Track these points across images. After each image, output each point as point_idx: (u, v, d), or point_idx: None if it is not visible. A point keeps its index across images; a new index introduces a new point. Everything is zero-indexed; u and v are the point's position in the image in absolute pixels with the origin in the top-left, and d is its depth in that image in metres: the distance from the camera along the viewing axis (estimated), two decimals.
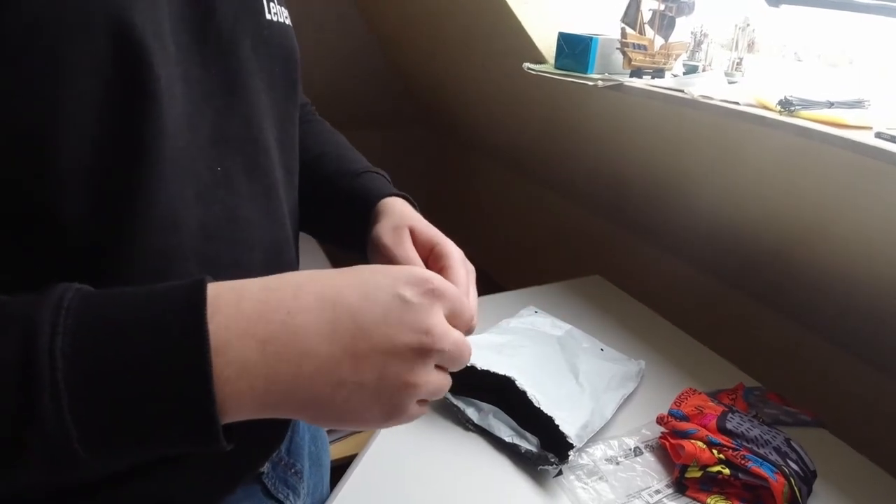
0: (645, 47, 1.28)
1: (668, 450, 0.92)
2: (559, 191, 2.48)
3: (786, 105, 0.95)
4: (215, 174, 0.51)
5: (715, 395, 1.05)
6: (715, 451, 0.87)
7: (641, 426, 0.98)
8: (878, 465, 0.96)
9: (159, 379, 0.33)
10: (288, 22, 0.60)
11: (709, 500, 0.86)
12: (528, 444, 0.90)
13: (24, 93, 0.38)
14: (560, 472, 0.87)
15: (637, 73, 1.30)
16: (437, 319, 0.41)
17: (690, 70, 1.31)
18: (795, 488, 0.83)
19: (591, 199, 2.26)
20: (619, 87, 1.27)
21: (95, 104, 0.41)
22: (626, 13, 1.28)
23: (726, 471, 0.86)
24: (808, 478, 0.87)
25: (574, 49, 1.34)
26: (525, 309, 1.26)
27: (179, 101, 0.46)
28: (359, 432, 1.82)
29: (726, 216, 1.51)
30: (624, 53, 1.28)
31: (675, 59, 1.34)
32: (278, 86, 0.58)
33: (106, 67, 0.41)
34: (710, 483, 0.87)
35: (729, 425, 0.92)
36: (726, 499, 0.86)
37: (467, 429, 0.96)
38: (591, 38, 1.31)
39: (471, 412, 0.96)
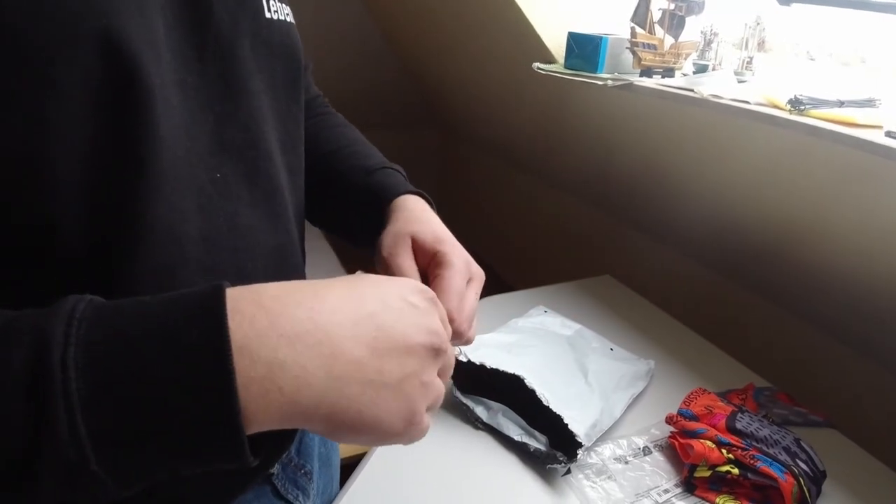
0: (655, 47, 1.28)
1: (677, 449, 0.92)
2: (569, 190, 2.47)
3: (796, 104, 0.95)
4: (216, 182, 0.50)
5: (725, 395, 1.05)
6: (724, 451, 0.87)
7: (651, 426, 0.98)
8: (889, 466, 0.96)
9: (176, 384, 0.31)
10: (289, 19, 0.59)
11: (718, 500, 0.86)
12: (537, 442, 0.90)
13: (10, 111, 0.37)
14: (569, 471, 0.87)
15: (647, 72, 1.30)
16: (440, 323, 0.42)
17: (700, 69, 1.31)
18: (805, 488, 0.83)
19: (602, 199, 2.26)
20: (629, 86, 1.27)
21: (87, 119, 0.40)
22: (635, 13, 1.28)
23: (735, 471, 0.86)
24: (817, 478, 0.87)
25: (584, 49, 1.34)
26: (534, 308, 1.26)
27: (177, 110, 0.45)
28: None
29: (737, 216, 1.51)
30: (634, 53, 1.28)
31: (686, 59, 1.33)
32: (279, 86, 0.57)
33: (96, 81, 0.39)
34: (720, 483, 0.87)
35: (738, 425, 0.92)
36: (735, 499, 0.85)
37: (476, 427, 0.96)
38: (600, 38, 1.31)
39: (480, 411, 0.96)
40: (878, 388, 1.32)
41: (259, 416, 0.33)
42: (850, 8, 1.23)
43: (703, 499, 0.86)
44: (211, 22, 0.49)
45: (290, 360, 0.34)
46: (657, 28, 1.28)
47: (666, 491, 0.87)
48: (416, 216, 0.64)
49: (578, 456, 0.86)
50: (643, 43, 1.27)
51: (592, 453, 0.92)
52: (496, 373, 0.95)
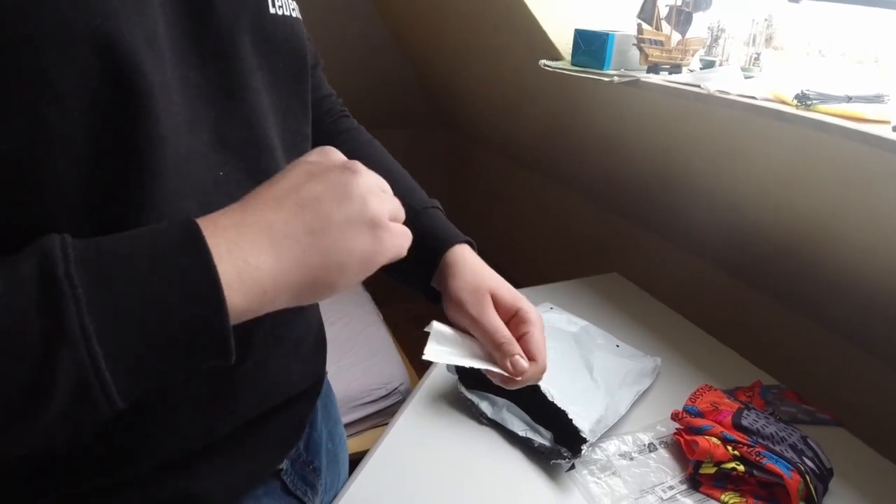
0: (662, 43, 1.27)
1: (682, 446, 0.91)
2: (577, 188, 2.47)
3: (802, 99, 0.94)
4: (218, 180, 0.49)
5: (731, 393, 1.04)
6: (730, 448, 0.87)
7: (656, 422, 0.98)
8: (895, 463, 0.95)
9: (164, 274, 0.36)
10: (295, 14, 0.59)
11: (723, 497, 0.85)
12: (542, 438, 0.90)
13: (8, 112, 0.37)
14: (573, 467, 0.87)
15: (654, 68, 1.29)
16: (354, 178, 0.44)
17: (707, 65, 1.30)
18: (811, 486, 0.82)
19: (609, 198, 2.26)
20: (636, 82, 1.27)
21: (85, 119, 0.40)
22: (642, 9, 1.27)
23: (741, 467, 0.85)
24: (824, 476, 0.86)
25: (590, 45, 1.34)
26: (541, 305, 1.26)
27: (179, 107, 0.45)
28: (380, 426, 1.84)
29: (744, 213, 1.50)
30: (640, 49, 1.27)
31: (692, 55, 1.33)
32: (281, 82, 0.56)
33: (93, 80, 0.40)
34: (725, 480, 0.87)
35: (744, 422, 0.92)
36: (741, 496, 0.85)
37: (481, 422, 0.96)
38: (607, 35, 1.31)
39: (484, 406, 0.96)
40: (886, 387, 1.30)
41: (236, 288, 0.38)
42: (860, 5, 1.22)
43: (708, 495, 0.86)
44: (211, 18, 0.49)
45: (242, 241, 0.39)
46: (664, 24, 1.28)
47: (671, 487, 0.87)
48: (482, 271, 0.66)
49: (583, 452, 0.86)
50: (650, 39, 1.26)
51: (597, 449, 0.91)
52: None
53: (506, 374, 0.58)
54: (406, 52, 3.11)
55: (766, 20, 1.21)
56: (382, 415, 1.85)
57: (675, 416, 0.95)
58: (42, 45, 0.38)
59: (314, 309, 0.67)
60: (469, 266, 0.66)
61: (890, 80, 1.21)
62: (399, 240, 0.46)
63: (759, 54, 1.23)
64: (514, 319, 0.62)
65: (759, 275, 1.61)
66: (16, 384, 0.32)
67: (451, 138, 3.70)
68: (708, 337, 1.26)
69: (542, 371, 0.60)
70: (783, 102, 0.99)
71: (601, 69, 1.32)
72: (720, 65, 1.30)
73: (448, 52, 2.66)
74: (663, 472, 0.89)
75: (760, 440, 0.89)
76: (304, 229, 0.41)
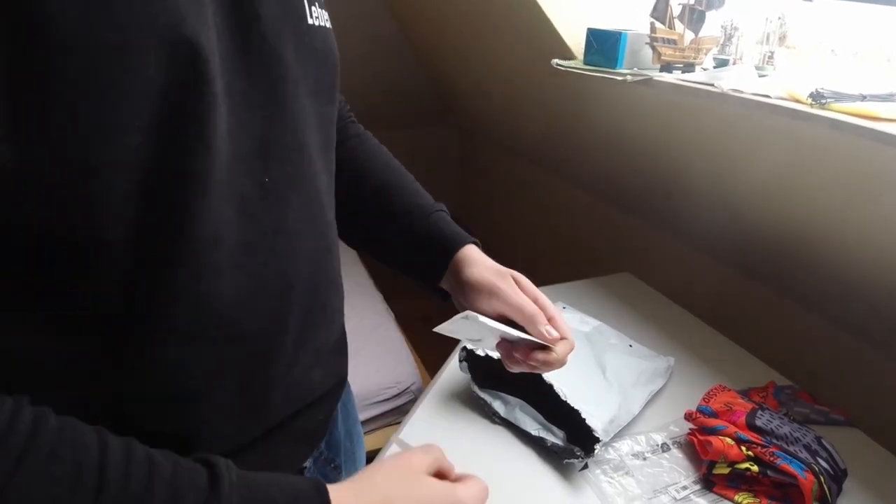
0: (675, 42, 1.27)
1: (695, 446, 0.91)
2: (588, 188, 2.47)
3: (817, 97, 0.93)
4: (263, 186, 0.50)
5: (745, 393, 1.04)
6: (743, 448, 0.86)
7: (669, 422, 0.98)
8: None
9: None
10: (328, 24, 0.60)
11: (737, 497, 0.85)
12: (555, 437, 0.90)
13: (85, 122, 0.38)
14: (586, 466, 0.87)
15: (667, 67, 1.29)
16: None
17: (721, 64, 1.30)
18: (825, 486, 0.82)
19: (621, 197, 2.25)
20: (649, 81, 1.26)
21: (145, 127, 0.41)
22: (655, 8, 1.27)
23: (755, 468, 0.85)
24: (838, 476, 0.86)
25: (603, 45, 1.34)
26: (554, 305, 1.26)
27: (224, 116, 0.46)
28: (392, 425, 1.85)
29: (756, 213, 1.49)
30: (653, 48, 1.27)
31: (706, 54, 1.32)
32: (318, 90, 0.58)
33: (159, 88, 0.41)
34: (739, 480, 0.86)
35: (758, 422, 0.91)
36: (755, 496, 0.85)
37: (494, 422, 0.96)
38: (620, 34, 1.30)
39: (497, 405, 0.96)
40: None
41: None
42: (873, 3, 1.21)
43: (721, 496, 0.86)
44: (257, 27, 0.49)
45: None
46: (677, 23, 1.27)
47: (684, 488, 0.87)
48: (496, 264, 0.71)
49: (596, 451, 0.86)
50: (663, 38, 1.26)
51: (610, 449, 0.91)
52: None
53: (533, 342, 0.64)
54: (415, 51, 3.12)
55: (779, 18, 1.20)
56: (394, 414, 1.86)
57: (688, 417, 0.95)
58: (112, 57, 0.38)
59: (339, 315, 0.69)
60: (481, 259, 0.71)
61: None
62: None
63: (772, 53, 1.22)
64: (536, 304, 0.67)
65: (772, 274, 1.60)
66: None
67: (461, 138, 3.70)
68: (721, 337, 1.26)
69: (571, 348, 0.67)
70: (797, 101, 0.98)
71: (614, 68, 1.32)
72: (734, 63, 1.29)
73: (458, 52, 2.66)
74: (676, 472, 0.89)
75: (774, 440, 0.88)
76: None
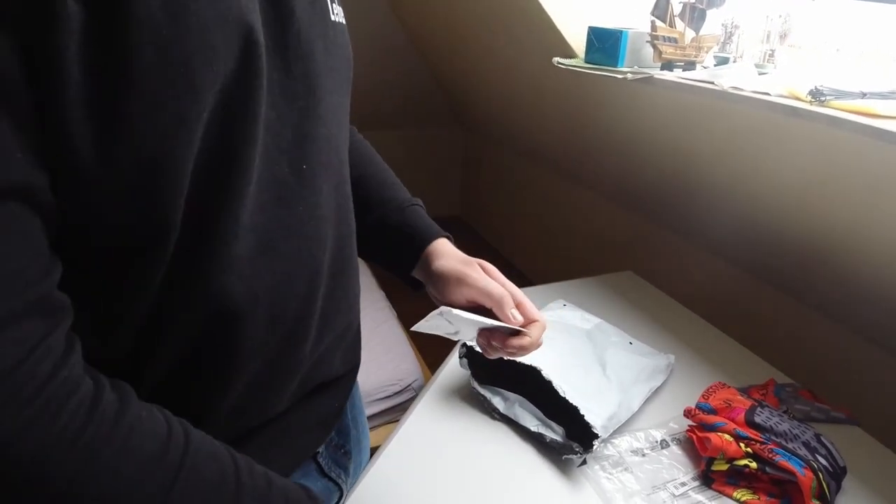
0: (675, 40, 1.27)
1: (694, 443, 0.91)
2: (592, 187, 2.47)
3: (816, 95, 0.94)
4: (300, 173, 0.53)
5: (745, 390, 1.04)
6: (742, 445, 0.87)
7: (669, 419, 0.98)
8: None
9: None
10: (344, 21, 0.63)
11: (735, 494, 0.85)
12: (554, 433, 0.90)
13: (160, 117, 0.40)
14: (584, 462, 0.87)
15: (668, 66, 1.29)
16: None
17: (721, 62, 1.30)
18: (824, 483, 0.82)
19: (624, 196, 2.25)
20: (650, 79, 1.27)
21: (207, 118, 0.43)
22: (656, 6, 1.27)
23: (753, 464, 0.85)
24: (837, 473, 0.86)
25: (604, 43, 1.34)
26: (554, 302, 1.26)
27: (266, 106, 0.48)
28: (394, 421, 1.85)
29: (758, 212, 1.49)
30: (654, 47, 1.27)
31: (707, 52, 1.33)
32: (340, 84, 0.61)
33: (224, 79, 0.43)
34: (737, 477, 0.87)
35: (757, 419, 0.91)
36: (753, 493, 0.85)
37: (493, 418, 0.97)
38: (620, 32, 1.31)
39: (497, 401, 0.97)
40: None
41: None
42: (876, 1, 1.21)
43: (720, 492, 0.86)
44: (293, 22, 0.52)
45: None
46: (678, 21, 1.27)
47: (683, 484, 0.87)
48: (466, 255, 0.73)
49: (595, 447, 0.86)
50: (664, 36, 1.26)
51: (609, 445, 0.92)
52: (513, 364, 0.95)
53: (507, 330, 0.66)
54: (420, 53, 3.12)
55: (780, 16, 1.20)
56: (396, 410, 1.86)
57: (687, 413, 0.95)
58: (189, 49, 0.40)
59: (357, 302, 0.71)
60: (451, 251, 0.74)
61: None
62: None
63: (773, 51, 1.22)
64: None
65: (773, 272, 1.60)
66: None
67: (466, 136, 3.70)
68: (721, 335, 1.26)
69: (543, 329, 0.69)
70: (797, 99, 0.98)
71: (615, 67, 1.32)
72: (734, 61, 1.30)
73: (461, 51, 2.66)
74: (675, 468, 0.89)
75: (773, 437, 0.88)
76: None
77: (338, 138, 0.59)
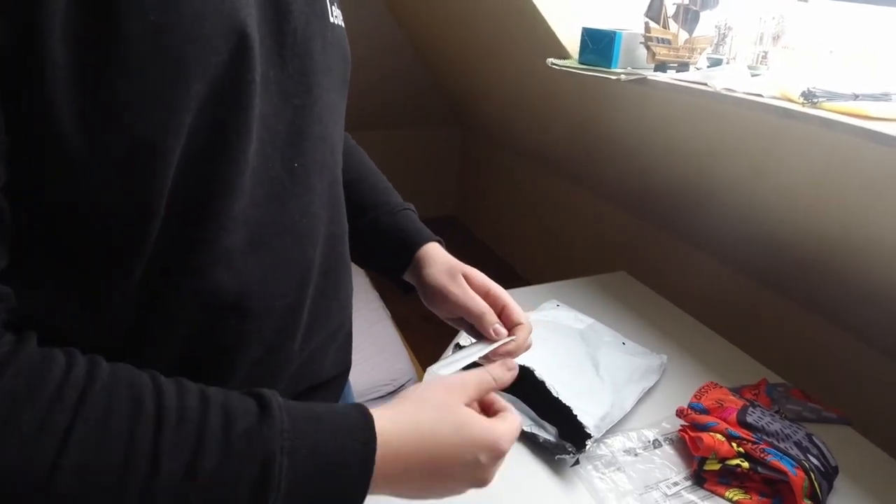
0: (669, 41, 1.28)
1: (687, 442, 0.92)
2: (587, 187, 2.47)
3: (808, 96, 0.94)
4: (294, 171, 0.53)
5: (737, 390, 1.04)
6: (734, 445, 0.87)
7: (661, 419, 0.98)
8: None
9: (340, 489, 0.45)
10: (343, 24, 0.63)
11: (727, 494, 0.85)
12: (547, 433, 0.90)
13: (148, 104, 0.40)
14: (577, 462, 0.88)
15: (661, 67, 1.29)
16: (492, 471, 0.54)
17: (715, 63, 1.30)
18: (815, 483, 0.82)
19: (619, 196, 2.26)
20: (643, 80, 1.27)
21: (197, 107, 0.43)
22: (649, 8, 1.28)
23: (745, 464, 0.85)
24: (828, 473, 0.87)
25: (598, 44, 1.35)
26: (547, 302, 1.26)
27: (260, 101, 0.48)
28: None
29: (751, 212, 1.50)
30: (648, 48, 1.28)
31: (700, 53, 1.33)
32: (337, 85, 0.61)
33: (216, 71, 0.43)
34: (729, 476, 0.87)
35: (749, 419, 0.92)
36: (745, 492, 0.85)
37: None
38: (614, 33, 1.31)
39: None
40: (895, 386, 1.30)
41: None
42: (867, 3, 1.22)
43: (712, 492, 0.86)
44: (290, 21, 0.52)
45: (381, 484, 0.48)
46: (671, 23, 1.28)
47: (675, 484, 0.87)
48: (452, 260, 0.74)
49: (587, 447, 0.87)
50: (657, 38, 1.26)
51: (602, 445, 0.92)
52: None
53: (497, 347, 0.67)
54: (417, 53, 3.12)
55: (773, 18, 1.21)
56: None
57: (680, 413, 0.95)
58: (180, 37, 0.40)
59: (349, 303, 0.71)
60: (440, 257, 0.74)
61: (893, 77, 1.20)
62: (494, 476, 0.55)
63: (766, 52, 1.23)
64: (488, 297, 0.70)
65: (766, 272, 1.61)
66: None
67: (463, 136, 3.70)
68: (714, 335, 1.26)
69: (530, 331, 0.70)
70: (790, 100, 0.99)
71: (609, 67, 1.33)
72: (727, 63, 1.30)
73: (458, 51, 2.67)
74: (668, 468, 0.90)
75: (765, 437, 0.89)
76: (429, 489, 0.52)
77: (333, 137, 0.59)
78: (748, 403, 0.96)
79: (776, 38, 1.24)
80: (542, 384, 0.92)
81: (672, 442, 0.94)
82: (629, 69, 1.32)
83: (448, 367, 0.63)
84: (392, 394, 1.87)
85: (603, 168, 2.18)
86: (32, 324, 0.43)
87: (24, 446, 0.37)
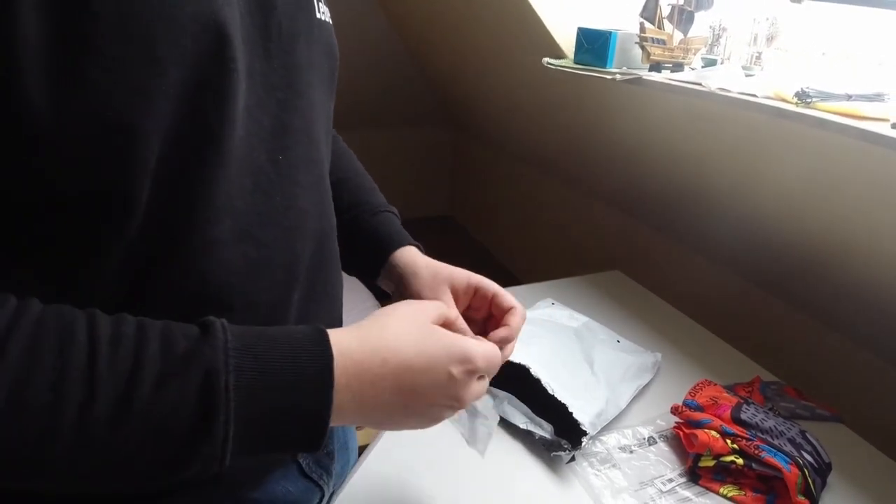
0: (664, 42, 1.28)
1: (681, 439, 0.92)
2: (581, 187, 2.48)
3: (802, 96, 0.95)
4: (277, 163, 0.53)
5: (731, 388, 1.05)
6: (729, 441, 0.88)
7: (656, 416, 0.99)
8: (895, 460, 0.96)
9: (293, 410, 0.44)
10: (330, 21, 0.64)
11: (722, 490, 0.86)
12: (542, 430, 0.91)
13: (119, 85, 0.40)
14: (573, 459, 0.88)
15: (656, 67, 1.30)
16: (468, 389, 0.53)
17: (709, 64, 1.31)
18: (809, 479, 0.83)
19: (613, 196, 2.26)
20: (638, 80, 1.28)
21: (179, 96, 0.43)
22: (644, 8, 1.28)
23: (740, 461, 0.86)
24: (822, 470, 0.87)
25: (593, 44, 1.35)
26: (542, 301, 1.27)
27: (244, 93, 0.49)
28: None
29: (745, 212, 1.51)
30: (643, 48, 1.28)
31: (695, 54, 1.34)
32: (324, 81, 0.61)
33: (192, 60, 0.43)
34: (724, 473, 0.88)
35: (743, 416, 0.92)
36: (740, 489, 0.86)
37: None
38: (609, 33, 1.32)
39: (485, 399, 0.97)
40: (887, 384, 1.31)
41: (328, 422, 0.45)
42: (859, 5, 1.23)
43: (707, 488, 0.87)
44: (274, 15, 0.52)
45: (353, 403, 0.47)
46: (666, 23, 1.29)
47: (670, 480, 0.88)
48: (434, 266, 0.74)
49: (583, 444, 0.87)
50: (652, 38, 1.27)
51: (597, 442, 0.92)
52: None
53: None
54: (409, 51, 3.12)
55: (767, 19, 1.21)
56: None
57: (674, 410, 0.96)
58: (153, 22, 0.41)
59: (340, 301, 0.71)
60: (422, 268, 0.73)
61: (891, 79, 1.21)
62: (472, 397, 0.54)
63: (760, 53, 1.24)
64: (477, 294, 0.71)
65: (759, 272, 1.62)
66: (161, 459, 0.41)
67: (457, 136, 3.70)
68: (708, 333, 1.27)
69: (523, 314, 0.70)
70: (784, 100, 1.00)
71: (604, 67, 1.33)
72: (722, 63, 1.31)
73: (451, 51, 2.67)
74: (663, 465, 0.90)
75: (759, 434, 0.90)
76: (405, 412, 0.51)
77: (317, 133, 0.59)
78: (742, 400, 0.97)
79: (770, 40, 1.25)
80: (537, 382, 0.93)
81: (667, 439, 0.95)
82: (624, 69, 1.32)
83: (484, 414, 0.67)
84: None
85: (597, 168, 2.19)
86: None
87: None
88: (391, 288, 0.77)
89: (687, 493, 0.86)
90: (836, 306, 1.41)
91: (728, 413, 0.93)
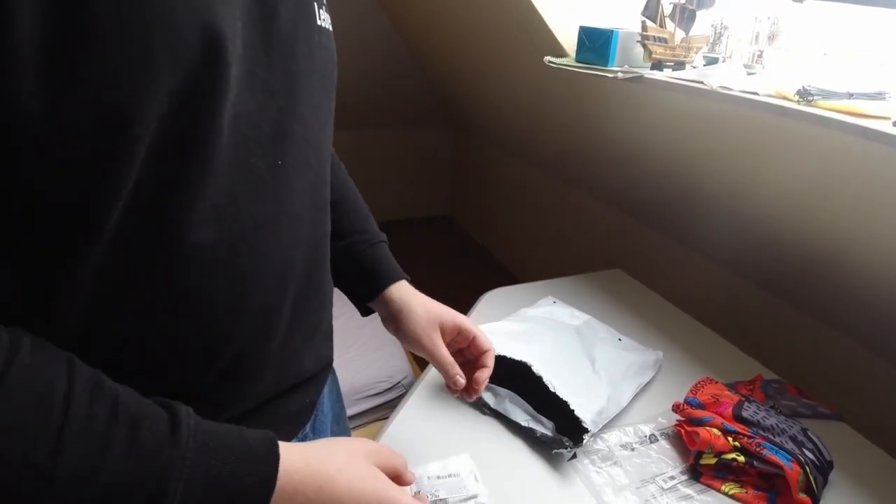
0: (665, 40, 1.28)
1: (683, 437, 0.92)
2: (582, 186, 2.48)
3: (804, 95, 0.95)
4: (274, 168, 0.53)
5: (732, 386, 1.05)
6: (730, 439, 0.88)
7: (657, 414, 0.99)
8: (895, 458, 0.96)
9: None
10: (330, 28, 0.64)
11: (723, 487, 0.86)
12: (544, 428, 0.91)
13: (112, 89, 0.40)
14: (574, 456, 0.88)
15: (658, 65, 1.30)
16: None
17: (711, 62, 1.31)
18: (811, 477, 0.83)
19: (615, 195, 2.26)
20: (640, 79, 1.28)
21: (170, 101, 0.43)
22: (646, 6, 1.28)
23: (741, 458, 0.86)
24: (824, 467, 0.87)
25: (595, 42, 1.35)
26: (544, 299, 1.27)
27: (241, 98, 0.49)
28: (384, 418, 1.85)
29: (745, 210, 1.51)
30: (644, 46, 1.29)
31: (696, 52, 1.34)
32: (323, 88, 0.61)
33: (186, 66, 0.43)
34: (725, 470, 0.88)
35: (745, 414, 0.93)
36: (741, 486, 0.86)
37: (484, 413, 0.97)
38: (611, 32, 1.32)
39: (487, 397, 0.97)
40: (888, 383, 1.31)
41: None
42: (862, 4, 1.23)
43: (708, 486, 0.87)
44: (276, 22, 0.52)
45: None
46: (668, 22, 1.29)
47: (672, 478, 0.88)
48: (427, 305, 0.82)
49: (584, 442, 0.87)
50: (654, 36, 1.27)
51: (599, 440, 0.92)
52: (504, 360, 0.96)
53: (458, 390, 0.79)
54: (410, 51, 3.12)
55: (769, 18, 1.22)
56: (386, 407, 1.86)
57: (676, 408, 0.96)
58: (149, 28, 0.41)
59: (329, 302, 0.71)
60: (417, 304, 0.81)
61: (892, 78, 1.21)
62: None
63: (761, 52, 1.24)
64: (459, 335, 0.82)
65: (760, 271, 1.62)
66: None
67: (458, 135, 3.70)
68: (709, 331, 1.27)
69: (493, 354, 0.82)
70: (785, 98, 1.00)
71: (605, 66, 1.34)
72: (723, 62, 1.31)
73: (451, 50, 2.67)
74: (664, 462, 0.90)
75: (761, 432, 0.90)
76: None
77: (318, 139, 0.59)
78: (744, 398, 0.97)
79: (772, 39, 1.25)
80: (539, 379, 0.93)
81: (668, 437, 0.95)
82: (626, 67, 1.33)
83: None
84: (388, 391, 1.87)
85: (598, 167, 2.19)
86: None
87: None
88: (382, 314, 0.84)
89: (688, 491, 0.86)
90: (836, 306, 1.41)
91: (729, 411, 0.93)
